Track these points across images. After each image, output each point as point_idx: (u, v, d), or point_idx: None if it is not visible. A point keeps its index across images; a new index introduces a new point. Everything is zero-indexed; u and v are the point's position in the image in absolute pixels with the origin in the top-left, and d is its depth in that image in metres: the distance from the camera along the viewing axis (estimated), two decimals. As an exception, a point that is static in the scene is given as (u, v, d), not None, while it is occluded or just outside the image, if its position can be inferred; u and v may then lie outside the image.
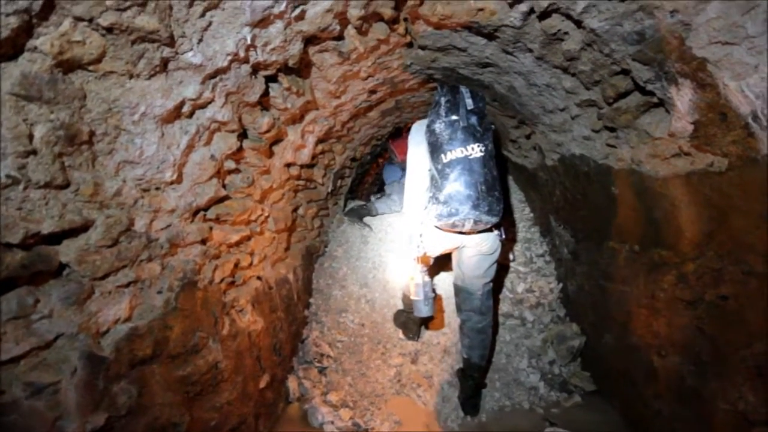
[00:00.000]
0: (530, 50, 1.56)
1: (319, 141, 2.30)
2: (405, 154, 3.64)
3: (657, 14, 1.05)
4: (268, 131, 1.62)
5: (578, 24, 1.28)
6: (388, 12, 1.43)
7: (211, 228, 1.52)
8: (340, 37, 1.50)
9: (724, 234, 1.25)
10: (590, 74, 1.47)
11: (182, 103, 1.12)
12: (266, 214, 2.01)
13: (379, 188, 4.19)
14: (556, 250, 2.70)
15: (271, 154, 1.83)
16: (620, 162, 1.67)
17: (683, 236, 1.44)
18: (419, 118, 3.49)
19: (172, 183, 1.23)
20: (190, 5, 0.96)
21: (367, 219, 3.62)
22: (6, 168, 0.75)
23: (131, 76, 0.94)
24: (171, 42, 0.96)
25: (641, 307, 1.72)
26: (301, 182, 2.45)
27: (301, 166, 2.27)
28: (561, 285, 2.55)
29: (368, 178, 4.32)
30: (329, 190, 3.00)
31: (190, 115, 1.21)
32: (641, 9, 1.07)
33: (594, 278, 2.07)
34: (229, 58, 1.15)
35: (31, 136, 0.78)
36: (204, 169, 1.35)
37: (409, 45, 1.82)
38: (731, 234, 1.22)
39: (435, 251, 1.90)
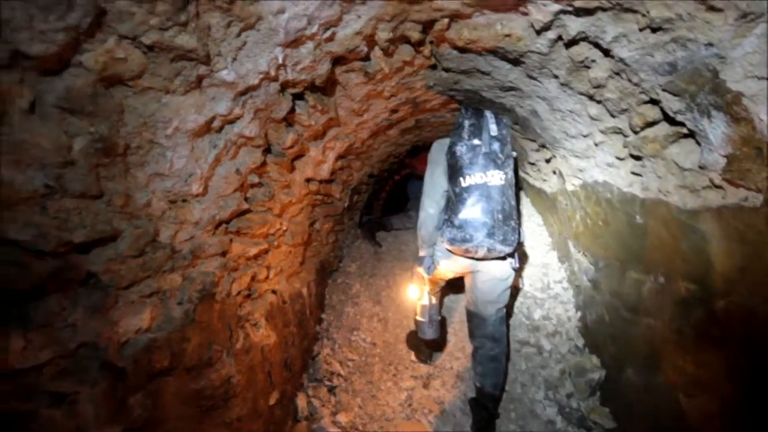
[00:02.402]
0: (555, 76, 1.56)
1: (339, 157, 2.33)
2: (425, 165, 3.65)
3: (691, 46, 1.04)
4: (291, 147, 1.65)
5: (606, 53, 1.28)
6: (415, 35, 1.46)
7: (231, 240, 1.53)
8: (366, 58, 1.53)
9: (758, 271, 1.20)
10: (617, 102, 1.45)
11: (213, 119, 1.15)
12: (284, 228, 2.02)
13: (403, 203, 4.19)
14: (574, 277, 2.63)
15: (292, 169, 1.85)
16: (646, 191, 1.63)
17: (713, 271, 1.38)
18: (438, 138, 3.54)
19: (197, 195, 1.25)
20: (228, 26, 0.99)
21: (380, 235, 3.61)
22: (44, 177, 0.77)
23: (167, 92, 0.97)
24: (207, 60, 0.99)
25: (667, 342, 1.65)
26: (319, 197, 2.47)
27: (320, 182, 2.28)
28: (580, 314, 2.47)
29: (383, 194, 4.34)
30: (346, 205, 3.02)
31: (220, 129, 1.23)
32: (674, 41, 1.06)
33: (615, 309, 2.01)
34: (261, 76, 1.18)
35: (70, 148, 0.80)
36: (229, 182, 1.37)
37: (433, 67, 1.85)
38: (766, 271, 1.17)
39: (446, 274, 1.87)
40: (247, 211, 1.60)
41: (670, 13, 1.00)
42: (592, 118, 1.67)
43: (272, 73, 1.20)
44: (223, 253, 1.49)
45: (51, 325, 0.87)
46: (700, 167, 1.31)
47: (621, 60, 1.24)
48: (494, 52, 1.55)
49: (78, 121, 0.80)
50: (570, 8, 1.16)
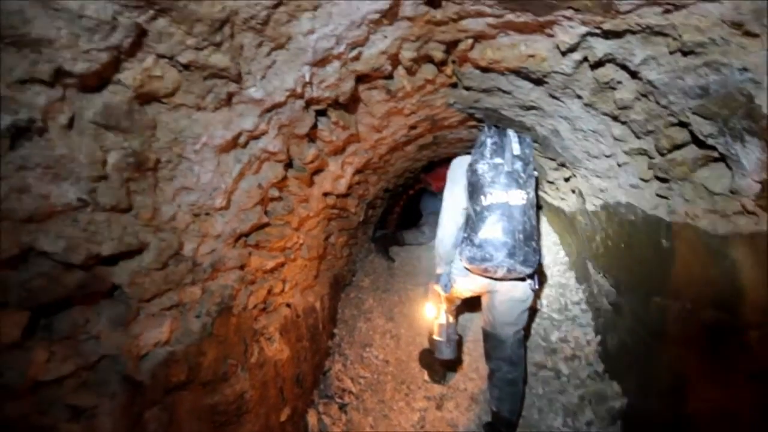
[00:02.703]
0: (579, 96, 1.55)
1: (357, 171, 2.34)
2: (440, 181, 3.63)
3: (724, 71, 1.02)
4: (312, 162, 1.66)
5: (634, 75, 1.26)
6: (438, 55, 1.47)
7: (250, 254, 1.54)
8: (389, 77, 1.55)
9: (797, 302, 1.15)
10: (643, 124, 1.43)
11: (240, 134, 1.17)
12: (301, 242, 2.02)
13: (416, 219, 4.17)
14: (593, 299, 2.56)
15: (311, 184, 1.86)
16: (673, 215, 1.59)
17: (746, 300, 1.33)
18: (455, 154, 3.54)
19: (220, 209, 1.26)
20: (259, 45, 1.01)
21: (393, 250, 3.59)
22: (78, 191, 0.79)
23: (198, 109, 0.99)
24: (238, 78, 1.01)
25: (694, 372, 1.58)
26: (335, 211, 2.48)
27: (337, 196, 2.29)
28: (599, 337, 2.39)
29: (397, 208, 4.33)
30: (360, 219, 3.02)
31: (245, 145, 1.25)
32: (706, 65, 1.04)
33: (639, 334, 1.94)
34: (287, 93, 1.19)
35: (104, 162, 0.82)
36: (251, 196, 1.38)
37: (454, 85, 1.85)
38: (806, 303, 1.11)
39: (463, 292, 1.84)
40: (267, 224, 1.61)
41: (703, 38, 0.99)
42: (616, 139, 1.65)
43: (298, 90, 1.22)
44: (242, 267, 1.49)
45: (75, 337, 0.87)
46: (732, 192, 1.27)
47: (649, 82, 1.23)
48: (517, 72, 1.55)
49: (113, 136, 0.82)
50: (598, 31, 1.15)
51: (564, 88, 1.54)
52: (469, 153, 3.45)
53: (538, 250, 1.56)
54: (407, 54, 1.39)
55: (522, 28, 1.29)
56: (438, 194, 3.83)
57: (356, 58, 1.28)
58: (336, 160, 1.97)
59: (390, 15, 1.13)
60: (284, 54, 1.09)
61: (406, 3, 1.11)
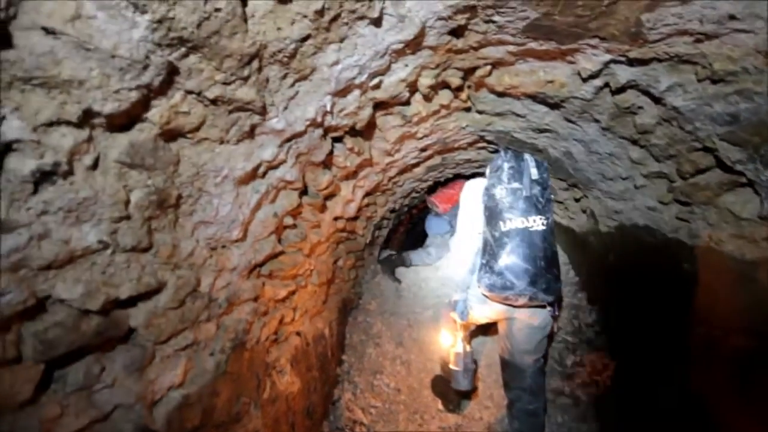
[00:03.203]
0: (597, 121, 1.54)
1: (366, 194, 2.31)
2: (446, 203, 3.58)
3: (757, 99, 1.00)
4: (326, 188, 1.63)
5: (657, 101, 1.25)
6: (456, 81, 1.46)
7: (263, 284, 1.49)
8: (406, 103, 1.53)
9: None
10: (664, 148, 1.41)
11: (259, 165, 1.13)
12: (312, 268, 1.97)
13: (421, 240, 4.10)
14: (608, 321, 2.51)
15: (324, 209, 1.83)
16: (695, 238, 1.56)
17: (779, 327, 1.29)
18: (460, 175, 3.52)
19: (237, 241, 1.22)
20: (284, 77, 0.99)
21: (399, 270, 3.54)
22: (99, 233, 0.74)
23: (221, 142, 0.95)
24: (262, 111, 0.98)
25: (723, 402, 1.52)
26: (344, 234, 2.43)
27: (347, 219, 2.25)
28: (614, 362, 2.33)
29: (401, 227, 4.29)
30: (367, 241, 2.98)
31: (264, 175, 1.21)
32: (737, 93, 1.03)
33: (662, 359, 1.88)
34: (307, 123, 1.17)
35: (127, 202, 0.78)
36: (266, 226, 1.34)
37: (467, 109, 1.85)
38: None
39: (480, 319, 1.79)
40: (281, 253, 1.56)
41: (735, 67, 0.97)
42: (634, 162, 1.63)
43: (318, 119, 1.19)
44: (256, 298, 1.43)
45: (89, 388, 0.81)
46: (761, 217, 1.25)
47: (674, 108, 1.21)
48: (533, 97, 1.54)
49: (137, 174, 0.78)
50: (622, 58, 1.15)
51: (582, 112, 1.53)
52: (477, 175, 3.46)
53: (559, 277, 1.52)
54: (426, 81, 1.37)
55: (542, 56, 1.28)
56: (444, 216, 3.78)
57: (377, 87, 1.26)
58: (348, 184, 1.94)
59: (413, 45, 1.12)
60: (307, 85, 1.06)
61: (430, 33, 1.10)
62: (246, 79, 0.87)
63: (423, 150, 2.26)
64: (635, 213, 1.88)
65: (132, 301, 0.88)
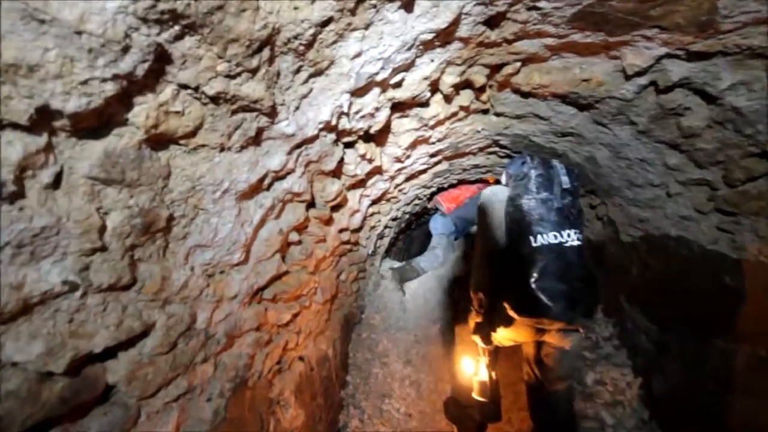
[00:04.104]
0: (633, 123, 1.40)
1: (372, 203, 2.15)
2: (451, 203, 3.46)
3: None
4: (335, 199, 1.46)
5: (713, 100, 1.12)
6: (480, 79, 1.31)
7: (266, 309, 1.31)
8: (425, 104, 1.38)
9: None
10: (712, 153, 1.28)
11: (265, 176, 0.96)
12: (316, 286, 1.79)
13: (424, 240, 3.95)
14: (627, 336, 2.37)
15: (330, 222, 1.66)
16: (740, 251, 1.43)
17: None
18: (465, 180, 3.38)
19: (238, 264, 1.04)
20: (297, 71, 0.82)
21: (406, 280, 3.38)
22: (64, 272, 0.56)
23: (222, 149, 0.78)
24: (272, 111, 0.81)
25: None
26: (348, 246, 2.26)
27: (352, 231, 2.09)
28: (640, 380, 2.19)
29: (401, 235, 4.14)
30: (370, 252, 2.81)
31: (269, 187, 1.04)
32: (820, 90, 0.90)
33: (697, 380, 1.75)
34: (320, 126, 1.00)
35: (102, 229, 0.60)
36: (270, 245, 1.17)
37: (484, 111, 1.70)
38: None
39: (503, 342, 1.63)
40: (285, 273, 1.38)
41: (824, 60, 0.84)
42: (669, 168, 1.50)
43: (333, 122, 1.03)
44: (258, 327, 1.25)
45: (53, 470, 0.62)
46: (825, 230, 1.12)
47: (734, 109, 1.08)
48: (564, 97, 1.41)
49: (115, 192, 0.61)
50: (680, 53, 1.01)
51: (616, 114, 1.40)
52: (480, 181, 3.33)
53: (598, 297, 1.37)
54: (449, 79, 1.22)
55: (582, 50, 1.14)
56: (448, 215, 3.65)
57: (398, 85, 1.10)
58: (355, 193, 1.77)
59: (444, 35, 0.96)
60: (323, 80, 0.90)
61: (465, 22, 0.95)
62: (254, 71, 0.70)
63: (433, 156, 2.11)
64: (665, 222, 1.75)
65: (111, 352, 0.69)
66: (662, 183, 1.61)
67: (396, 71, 1.02)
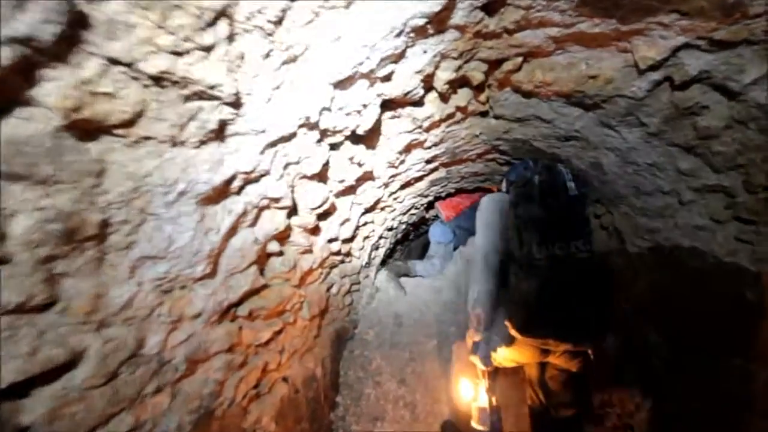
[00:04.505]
0: (643, 125, 1.29)
1: (365, 212, 2.03)
2: (451, 211, 3.37)
3: None
4: (320, 206, 1.33)
5: (734, 97, 1.01)
6: (478, 76, 1.20)
7: (240, 328, 1.17)
8: (418, 103, 1.27)
9: None
10: (731, 157, 1.17)
11: (233, 178, 0.84)
12: (302, 300, 1.66)
13: (423, 251, 3.86)
14: (632, 353, 2.23)
15: (317, 231, 1.53)
16: (761, 263, 1.31)
17: None
18: (463, 189, 3.27)
19: (202, 278, 0.91)
20: (267, 56, 0.71)
21: (403, 280, 3.26)
22: (-51, 289, 0.44)
23: (174, 144, 0.66)
24: (236, 101, 0.70)
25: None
26: (339, 258, 2.13)
27: (343, 241, 1.96)
28: (651, 401, 2.05)
29: (399, 246, 4.01)
30: (364, 263, 2.68)
31: (239, 191, 0.92)
32: None
33: (714, 402, 1.61)
34: (299, 123, 0.89)
35: (3, 237, 0.47)
36: (243, 255, 1.04)
37: (483, 114, 1.60)
38: None
39: (505, 363, 1.49)
40: (263, 287, 1.26)
41: None
42: (682, 173, 1.39)
43: (313, 118, 0.92)
44: (231, 348, 1.12)
45: None
46: None
47: (758, 106, 0.97)
48: (568, 96, 1.30)
49: (21, 191, 0.48)
50: (700, 42, 0.90)
51: (625, 115, 1.29)
52: (480, 190, 3.23)
53: (608, 315, 1.24)
54: (444, 75, 1.11)
55: (590, 42, 1.04)
56: (447, 224, 3.54)
57: (387, 79, 1.00)
58: (345, 201, 1.66)
59: (437, 21, 0.86)
60: (299, 69, 0.79)
61: (460, 6, 0.84)
62: (209, 49, 0.59)
63: (429, 162, 2.00)
64: (676, 232, 1.64)
65: (23, 388, 0.56)
66: (673, 190, 1.49)
67: (384, 62, 0.92)
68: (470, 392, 1.52)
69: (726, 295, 1.47)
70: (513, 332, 1.30)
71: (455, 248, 3.53)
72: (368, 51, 0.83)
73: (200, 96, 0.63)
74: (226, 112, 0.71)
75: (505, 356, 1.44)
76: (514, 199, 1.39)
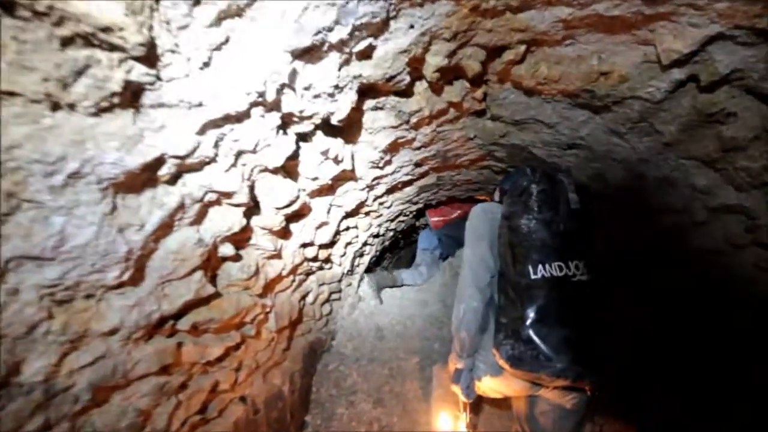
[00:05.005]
0: (657, 132, 1.15)
1: (346, 216, 1.86)
2: (440, 218, 3.26)
3: None
4: (288, 206, 1.16)
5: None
6: (474, 66, 1.05)
7: (179, 345, 0.99)
8: (405, 93, 1.11)
9: None
10: (758, 173, 1.02)
11: (160, 162, 0.67)
12: (267, 310, 1.48)
13: (411, 257, 3.73)
14: (631, 382, 2.08)
15: (286, 234, 1.36)
16: (784, 296, 1.16)
17: None
18: (455, 198, 3.12)
19: (119, 286, 0.73)
20: (196, 2, 0.54)
21: (389, 292, 3.10)
22: None
23: (56, 107, 0.49)
24: (150, 57, 0.53)
25: None
26: (316, 264, 1.95)
27: (320, 246, 1.78)
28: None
29: (387, 254, 3.85)
30: (345, 270, 2.50)
31: (173, 180, 0.75)
32: None
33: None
34: (251, 99, 0.72)
35: None
36: (183, 259, 0.86)
37: (479, 113, 1.44)
38: None
39: (490, 394, 1.32)
40: (214, 296, 1.07)
41: None
42: (697, 191, 1.24)
43: (270, 96, 0.75)
44: (164, 369, 0.93)
45: None
46: None
47: (801, 114, 0.83)
48: (575, 96, 1.15)
49: None
50: (736, 32, 0.75)
51: (638, 121, 1.14)
52: (471, 199, 3.09)
53: (611, 347, 1.08)
54: (435, 60, 0.96)
55: (605, 29, 0.89)
56: (434, 232, 3.42)
57: (365, 55, 0.83)
58: (321, 202, 1.48)
59: (426, -16, 0.70)
60: (245, 26, 0.62)
61: (454, -34, 0.69)
62: (92, -29, 0.41)
63: (418, 165, 1.84)
64: (687, 256, 1.49)
65: None
66: (685, 208, 1.35)
67: (360, 32, 0.75)
68: (449, 426, 1.34)
69: (744, 326, 1.32)
70: (501, 363, 1.13)
71: (442, 256, 3.39)
72: (337, 12, 0.66)
73: (88, 41, 0.46)
74: (138, 72, 0.54)
75: (490, 386, 1.26)
76: (508, 210, 1.22)
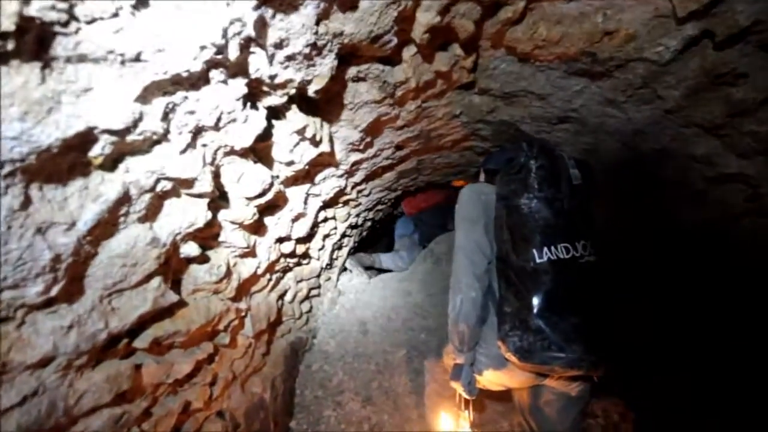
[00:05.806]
0: (659, 98, 1.08)
1: (324, 206, 1.71)
2: (412, 207, 3.22)
3: None
4: (261, 195, 1.00)
5: (789, 58, 0.81)
6: (467, 27, 0.92)
7: (137, 366, 0.82)
8: (389, 60, 0.97)
9: None
10: (765, 137, 0.97)
11: (88, 138, 0.50)
12: (242, 315, 1.32)
13: (389, 244, 3.68)
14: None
15: (259, 229, 1.20)
16: (783, 265, 1.14)
17: None
18: (434, 183, 3.02)
19: (49, 304, 0.56)
20: None
21: (372, 284, 3.01)
22: None
23: None
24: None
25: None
26: (294, 260, 1.80)
27: (297, 240, 1.63)
28: (635, 411, 1.90)
29: (367, 248, 3.74)
30: (324, 264, 2.36)
31: (112, 164, 0.58)
32: None
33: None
34: (207, 55, 0.56)
35: None
36: (134, 264, 0.70)
37: (466, 87, 1.33)
38: None
39: (492, 387, 1.24)
40: (179, 304, 0.91)
41: None
42: (695, 160, 1.20)
43: (232, 53, 0.59)
44: (120, 397, 0.77)
45: None
46: None
47: (824, 69, 0.77)
48: (574, 60, 1.05)
49: None
50: (768, -26, 0.68)
51: (640, 87, 1.06)
52: (447, 186, 3.02)
53: (614, 331, 1.01)
54: (426, 17, 0.82)
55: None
56: (410, 218, 3.36)
57: (348, 6, 0.69)
58: (297, 191, 1.33)
59: None
60: (194, -50, 0.46)
61: None
62: None
63: (399, 147, 1.71)
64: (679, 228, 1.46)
65: None
66: (681, 181, 1.30)
67: (342, -26, 0.61)
68: (450, 425, 1.25)
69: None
70: (508, 356, 1.04)
71: (421, 243, 3.34)
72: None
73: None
74: (42, 4, 0.37)
75: (491, 380, 1.18)
76: (504, 189, 1.12)
